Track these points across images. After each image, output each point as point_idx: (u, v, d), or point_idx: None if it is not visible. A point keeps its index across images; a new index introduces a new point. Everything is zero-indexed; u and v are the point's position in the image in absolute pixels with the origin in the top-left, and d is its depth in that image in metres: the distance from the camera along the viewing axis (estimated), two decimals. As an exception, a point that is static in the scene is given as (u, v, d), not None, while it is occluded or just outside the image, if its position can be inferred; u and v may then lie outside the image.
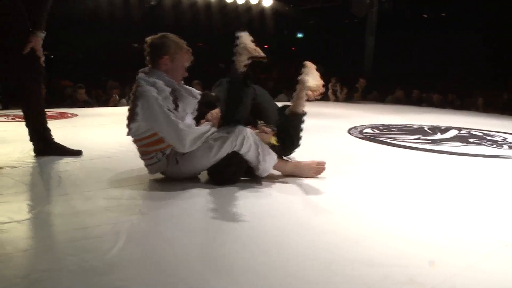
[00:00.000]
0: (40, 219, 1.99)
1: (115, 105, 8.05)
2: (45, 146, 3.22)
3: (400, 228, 1.98)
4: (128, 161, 3.10)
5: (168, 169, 2.61)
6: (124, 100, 8.39)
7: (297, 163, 2.90)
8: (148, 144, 2.53)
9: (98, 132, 4.52)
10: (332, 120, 6.12)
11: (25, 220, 1.96)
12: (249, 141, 2.56)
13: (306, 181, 2.76)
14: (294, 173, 2.82)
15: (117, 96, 8.28)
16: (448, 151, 3.99)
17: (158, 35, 2.62)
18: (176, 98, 2.59)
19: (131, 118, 2.47)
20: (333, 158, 3.48)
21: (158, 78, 2.54)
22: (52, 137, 3.27)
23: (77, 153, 3.31)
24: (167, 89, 2.53)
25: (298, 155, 3.16)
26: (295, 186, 2.65)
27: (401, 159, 3.60)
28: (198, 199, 2.34)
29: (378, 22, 10.26)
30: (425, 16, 12.69)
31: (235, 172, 2.63)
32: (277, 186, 2.66)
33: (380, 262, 1.64)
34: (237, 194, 2.44)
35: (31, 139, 3.22)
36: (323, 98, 10.06)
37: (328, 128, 5.22)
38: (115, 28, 11.15)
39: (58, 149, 3.27)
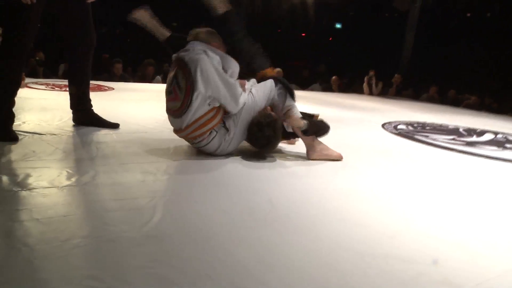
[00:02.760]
0: (79, 186, 2.03)
1: (150, 81, 8.14)
2: (85, 115, 3.28)
3: (436, 228, 1.96)
4: (164, 137, 3.15)
5: (222, 142, 2.73)
6: (158, 77, 8.48)
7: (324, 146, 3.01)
8: (204, 123, 2.64)
9: (134, 107, 4.58)
10: (367, 113, 6.05)
11: (64, 186, 2.00)
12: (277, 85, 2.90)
13: (341, 169, 2.77)
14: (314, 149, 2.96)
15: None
16: (484, 154, 3.91)
17: None
18: (224, 66, 2.74)
19: (193, 89, 2.58)
20: (367, 151, 3.47)
21: (207, 48, 2.71)
22: (92, 108, 3.33)
23: (114, 126, 3.36)
24: (216, 57, 2.71)
25: (334, 147, 3.15)
26: (329, 174, 2.66)
27: (435, 159, 3.55)
28: (234, 181, 2.36)
29: (419, 18, 10.05)
30: (468, 15, 12.33)
31: (270, 136, 2.75)
32: (311, 171, 2.69)
33: (415, 259, 1.62)
34: (273, 178, 2.45)
35: (72, 107, 3.28)
36: (358, 90, 10.07)
37: (363, 122, 5.17)
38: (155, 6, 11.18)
39: (97, 120, 3.32)
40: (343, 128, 4.40)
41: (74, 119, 3.30)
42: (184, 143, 2.95)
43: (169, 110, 2.76)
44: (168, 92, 2.73)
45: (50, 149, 2.59)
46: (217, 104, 2.67)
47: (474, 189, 2.73)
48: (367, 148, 3.56)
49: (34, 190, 1.91)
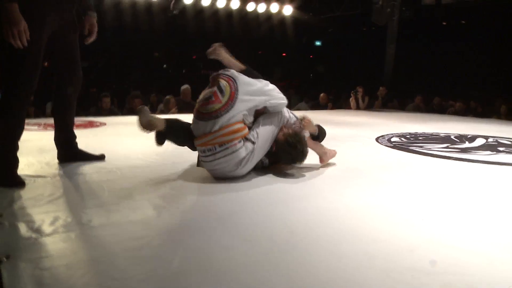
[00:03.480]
0: (96, 228, 2.03)
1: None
2: (71, 152, 3.31)
3: (450, 237, 2.00)
4: (168, 170, 3.17)
5: (248, 154, 2.89)
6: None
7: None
8: (236, 130, 2.84)
9: (131, 141, 4.57)
10: (358, 128, 6.13)
11: (83, 229, 2.01)
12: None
13: (347, 188, 2.81)
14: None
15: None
16: (479, 159, 3.99)
17: None
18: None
19: (237, 94, 2.89)
20: (367, 167, 3.52)
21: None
22: (77, 143, 3.37)
23: (100, 157, 3.42)
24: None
25: (333, 166, 3.24)
26: (336, 193, 2.70)
27: (433, 168, 3.61)
28: (247, 208, 2.39)
29: (399, 30, 10.26)
30: (444, 23, 12.62)
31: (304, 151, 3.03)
32: (318, 191, 2.75)
33: (437, 270, 1.66)
34: (283, 202, 2.49)
35: (58, 144, 3.30)
36: (344, 106, 10.19)
37: (356, 137, 5.24)
38: (138, 37, 11.29)
39: (82, 155, 3.36)
40: (338, 146, 4.40)
41: (60, 157, 3.32)
42: (191, 174, 3.00)
43: (200, 114, 2.89)
44: (205, 99, 2.91)
45: (58, 192, 2.59)
46: (251, 119, 2.98)
47: (479, 194, 2.80)
48: (366, 164, 3.62)
49: (54, 235, 1.91)
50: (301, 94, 11.45)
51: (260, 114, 3.08)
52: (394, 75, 10.57)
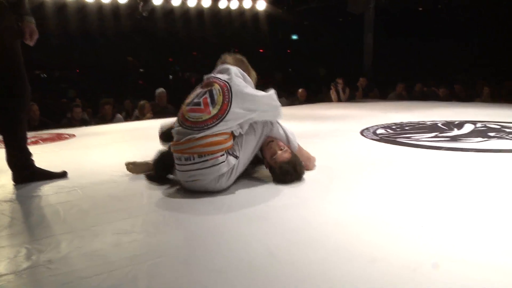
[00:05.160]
0: (40, 267, 1.70)
1: (110, 121, 7.78)
2: (26, 172, 2.98)
3: (456, 248, 1.72)
4: (135, 186, 2.85)
5: (231, 169, 2.59)
6: (119, 116, 8.11)
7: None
8: (220, 141, 2.53)
9: (100, 153, 4.25)
10: (341, 122, 5.87)
11: (25, 269, 1.69)
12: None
13: (334, 196, 2.51)
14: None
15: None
16: (471, 148, 3.75)
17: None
18: None
19: (230, 106, 2.60)
20: (354, 165, 3.25)
21: (238, 71, 2.83)
22: (33, 161, 3.04)
23: (62, 175, 3.12)
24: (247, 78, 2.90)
25: (319, 166, 2.93)
26: (322, 202, 2.39)
27: (425, 162, 3.34)
28: (223, 230, 2.07)
29: (375, 19, 10.04)
30: (420, 9, 12.44)
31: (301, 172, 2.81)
32: (301, 199, 2.41)
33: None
34: (264, 216, 2.17)
35: (10, 165, 2.97)
36: (325, 99, 9.93)
37: (340, 132, 4.96)
38: (105, 42, 10.90)
39: (41, 174, 3.04)
40: (322, 143, 4.18)
41: (15, 178, 2.98)
42: (160, 188, 2.69)
43: (185, 120, 2.59)
44: (194, 103, 2.62)
45: (5, 220, 2.27)
46: (245, 129, 2.69)
47: (479, 189, 2.54)
48: (353, 163, 3.33)
49: (-11, 280, 1.60)
50: (280, 90, 11.15)
51: None
52: (374, 65, 10.35)
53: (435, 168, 3.11)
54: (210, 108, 2.56)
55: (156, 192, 2.68)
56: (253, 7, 10.90)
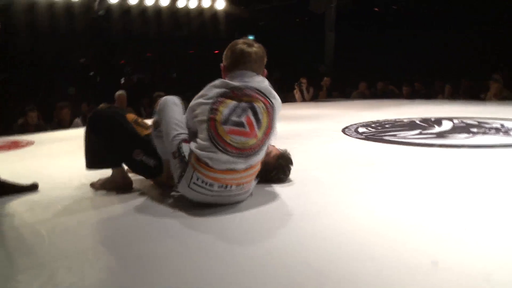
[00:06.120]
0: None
1: (68, 126, 7.29)
2: None
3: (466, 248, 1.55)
4: (124, 195, 2.52)
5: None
6: (78, 120, 7.61)
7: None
8: (258, 170, 2.29)
9: (67, 160, 3.82)
10: (318, 121, 5.72)
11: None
12: None
13: (333, 201, 2.30)
14: None
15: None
16: (466, 144, 3.67)
17: (251, 41, 2.39)
18: None
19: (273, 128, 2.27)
20: (355, 165, 3.08)
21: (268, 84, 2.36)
22: None
23: (32, 187, 2.74)
24: None
25: (308, 168, 2.82)
26: (318, 209, 2.17)
27: (425, 160, 3.25)
28: (219, 239, 1.81)
29: (337, 17, 10.00)
30: (376, 9, 12.57)
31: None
32: (293, 208, 2.16)
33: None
34: (263, 228, 1.93)
35: None
36: (288, 99, 9.77)
37: (321, 131, 4.78)
38: (58, 42, 10.29)
39: (8, 187, 2.66)
40: (306, 144, 3.97)
41: None
42: (159, 190, 2.39)
43: (227, 146, 2.12)
44: (235, 123, 2.15)
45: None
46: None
47: (481, 187, 2.44)
48: (353, 162, 3.16)
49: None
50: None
51: None
52: (335, 64, 10.31)
53: (430, 165, 3.06)
54: (256, 130, 2.18)
55: (157, 193, 2.37)
56: (212, 6, 10.60)
